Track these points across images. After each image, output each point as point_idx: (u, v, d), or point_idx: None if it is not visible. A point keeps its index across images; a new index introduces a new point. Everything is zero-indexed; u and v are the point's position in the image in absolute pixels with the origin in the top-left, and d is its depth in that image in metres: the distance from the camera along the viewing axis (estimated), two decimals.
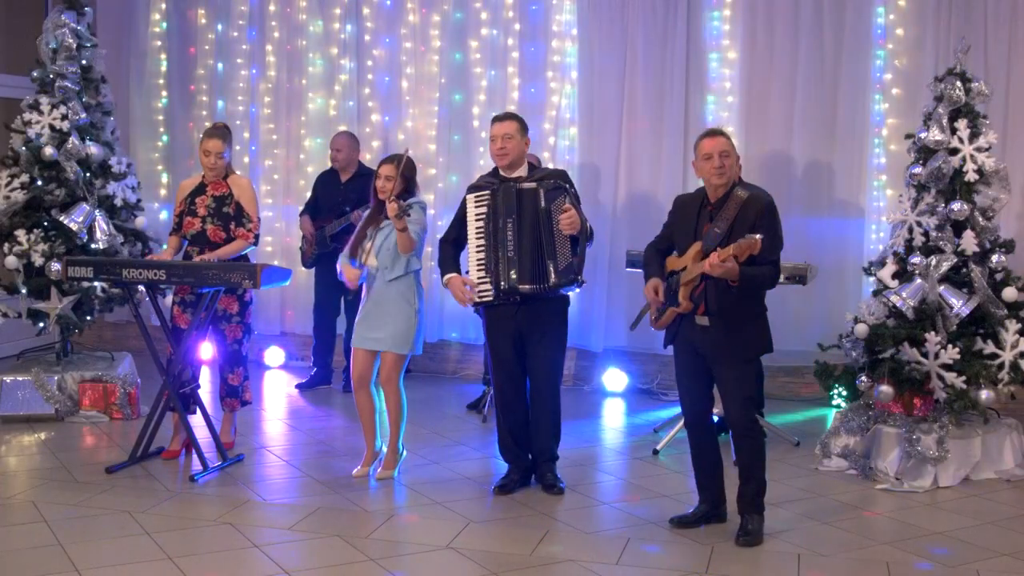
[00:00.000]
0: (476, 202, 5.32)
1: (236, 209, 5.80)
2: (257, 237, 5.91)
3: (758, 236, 4.40)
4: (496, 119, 5.38)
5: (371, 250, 5.46)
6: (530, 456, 5.47)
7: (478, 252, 5.28)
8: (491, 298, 5.28)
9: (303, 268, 7.93)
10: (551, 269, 5.14)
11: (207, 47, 8.85)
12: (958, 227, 5.86)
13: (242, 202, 5.81)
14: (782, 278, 5.50)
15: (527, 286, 5.18)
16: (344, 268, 5.58)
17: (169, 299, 6.07)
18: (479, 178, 5.52)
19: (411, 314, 5.47)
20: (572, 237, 5.14)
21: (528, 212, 5.17)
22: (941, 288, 5.78)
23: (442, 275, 5.40)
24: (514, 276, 5.19)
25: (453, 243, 5.46)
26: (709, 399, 4.91)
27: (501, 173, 5.33)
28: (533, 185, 5.18)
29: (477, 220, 5.30)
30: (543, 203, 5.14)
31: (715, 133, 4.76)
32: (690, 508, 5.02)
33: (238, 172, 6.17)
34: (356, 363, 5.58)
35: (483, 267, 5.27)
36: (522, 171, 5.32)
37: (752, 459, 4.75)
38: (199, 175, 5.94)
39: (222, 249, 5.73)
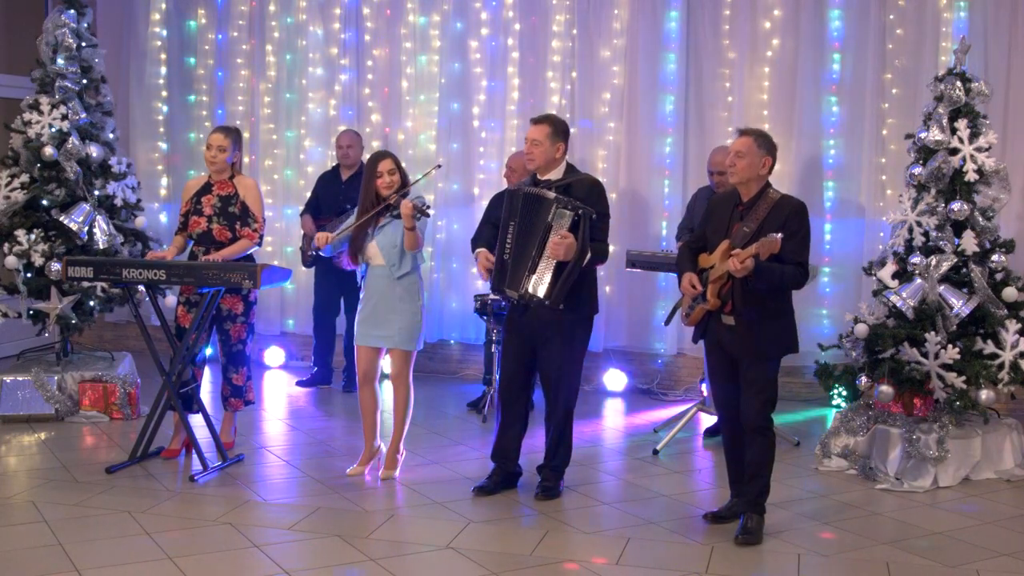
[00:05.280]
0: (509, 199, 5.29)
1: (242, 209, 5.79)
2: (262, 237, 5.91)
3: (778, 235, 4.39)
4: (532, 121, 5.30)
5: (376, 249, 5.43)
6: (519, 463, 5.47)
7: (498, 245, 5.28)
8: (491, 288, 5.37)
9: (303, 268, 7.94)
10: (526, 282, 5.08)
11: (207, 47, 8.85)
12: (958, 227, 5.86)
13: (247, 202, 5.81)
14: None
15: (510, 290, 5.18)
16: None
17: (171, 299, 6.04)
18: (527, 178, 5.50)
19: (417, 310, 5.47)
20: (559, 262, 5.04)
21: (529, 218, 5.11)
22: (941, 288, 5.78)
23: (474, 248, 5.43)
24: (505, 277, 5.19)
25: (492, 226, 5.43)
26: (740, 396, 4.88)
27: (537, 176, 5.29)
28: (549, 195, 5.08)
29: (504, 216, 5.28)
30: (549, 216, 5.04)
31: (741, 132, 4.76)
32: (697, 509, 5.02)
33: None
34: (361, 361, 5.55)
35: (497, 258, 5.28)
36: (555, 174, 5.23)
37: (761, 458, 4.75)
38: (205, 175, 5.93)
39: (227, 249, 5.73)
